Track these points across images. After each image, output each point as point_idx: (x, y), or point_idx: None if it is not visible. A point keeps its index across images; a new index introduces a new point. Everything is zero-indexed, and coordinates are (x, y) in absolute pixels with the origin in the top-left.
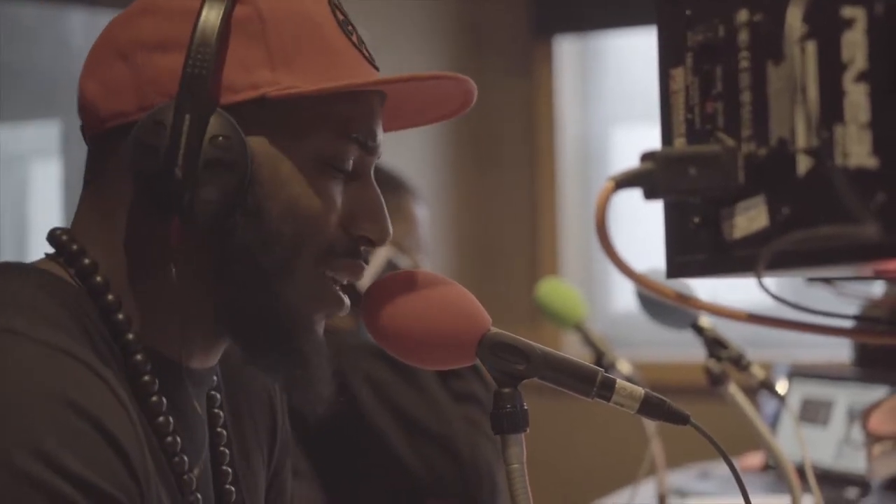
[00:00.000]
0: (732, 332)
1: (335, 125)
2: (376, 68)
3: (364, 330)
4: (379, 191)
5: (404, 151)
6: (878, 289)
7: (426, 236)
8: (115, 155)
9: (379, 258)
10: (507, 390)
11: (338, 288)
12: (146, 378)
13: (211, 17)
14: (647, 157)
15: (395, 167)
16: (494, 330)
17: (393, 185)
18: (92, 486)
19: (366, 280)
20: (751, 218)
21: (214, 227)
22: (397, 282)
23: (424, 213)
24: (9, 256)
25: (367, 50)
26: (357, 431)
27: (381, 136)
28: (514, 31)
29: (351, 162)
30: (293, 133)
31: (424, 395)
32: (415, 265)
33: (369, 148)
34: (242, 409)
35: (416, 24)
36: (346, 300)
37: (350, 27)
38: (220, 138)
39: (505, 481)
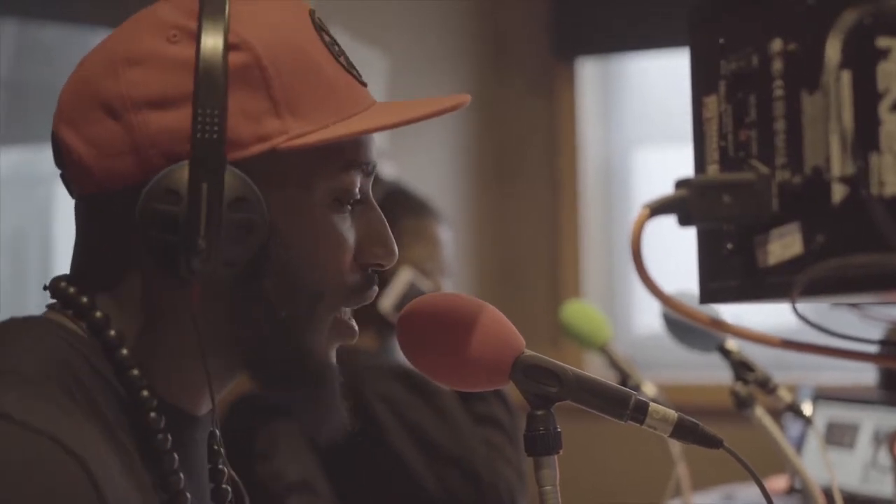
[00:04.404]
0: (753, 355)
1: (340, 160)
2: (364, 84)
3: (386, 351)
4: (380, 210)
5: (427, 174)
6: None
7: (450, 258)
8: (117, 216)
9: (401, 281)
10: (540, 412)
11: (350, 318)
12: (160, 437)
13: (210, 70)
14: (681, 184)
15: (419, 189)
16: (528, 352)
17: (416, 209)
18: None
19: (387, 302)
20: (785, 245)
21: (237, 287)
22: (432, 304)
23: (448, 236)
24: (34, 279)
25: (356, 70)
26: (375, 452)
27: (376, 156)
28: (536, 54)
29: (357, 192)
30: (304, 179)
31: (444, 418)
32: (437, 288)
33: (369, 171)
34: None
35: (438, 45)
36: (356, 329)
37: (337, 48)
38: (239, 202)
39: None
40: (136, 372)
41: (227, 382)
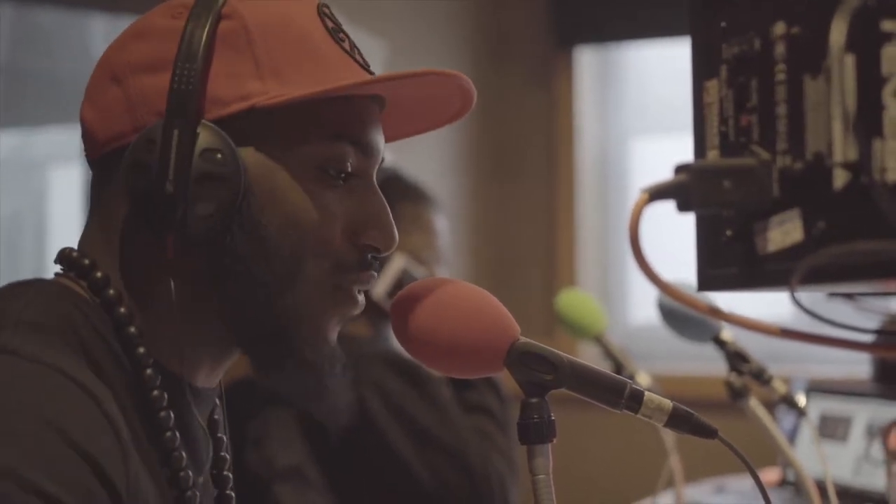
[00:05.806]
0: (746, 346)
1: (328, 129)
2: (371, 73)
3: (379, 338)
4: (383, 196)
5: (423, 162)
6: None
7: (445, 247)
8: (115, 177)
9: (394, 267)
10: (534, 400)
11: (355, 290)
12: (155, 393)
13: (196, 34)
14: (680, 169)
15: (415, 177)
16: (523, 339)
17: (413, 196)
18: None
19: (380, 289)
20: (785, 232)
21: (211, 242)
22: (427, 289)
23: (444, 224)
24: (29, 261)
25: (360, 56)
26: (367, 441)
27: (381, 141)
28: (534, 42)
29: (349, 165)
30: (286, 142)
31: (436, 407)
32: (431, 275)
33: (365, 149)
34: None
35: (436, 34)
36: (361, 298)
37: (342, 34)
38: (211, 152)
39: (517, 494)
40: (133, 329)
41: (223, 358)
